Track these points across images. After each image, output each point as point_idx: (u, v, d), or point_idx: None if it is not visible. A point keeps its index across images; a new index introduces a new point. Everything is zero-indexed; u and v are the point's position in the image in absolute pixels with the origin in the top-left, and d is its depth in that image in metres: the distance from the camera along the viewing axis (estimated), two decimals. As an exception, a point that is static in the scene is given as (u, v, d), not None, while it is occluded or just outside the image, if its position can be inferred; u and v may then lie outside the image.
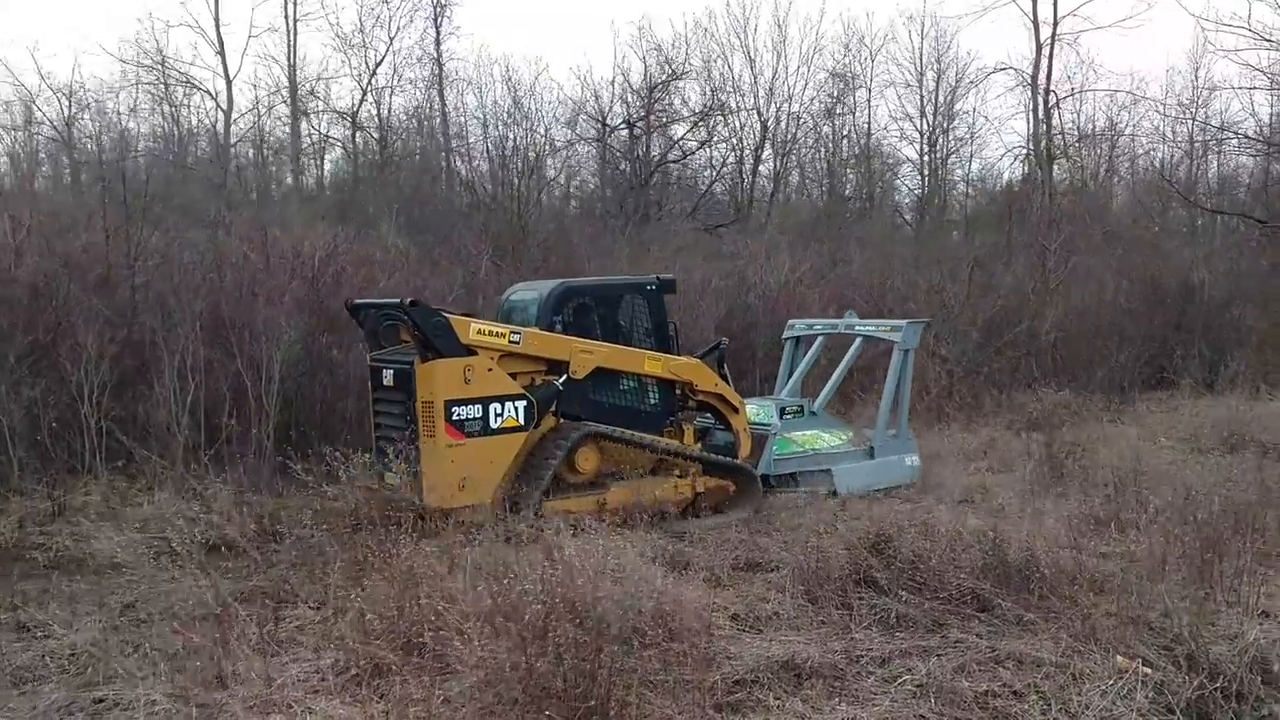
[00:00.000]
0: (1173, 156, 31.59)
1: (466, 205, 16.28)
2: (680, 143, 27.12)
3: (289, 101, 26.86)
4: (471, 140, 24.48)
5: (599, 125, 27.83)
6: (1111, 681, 6.20)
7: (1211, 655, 6.73)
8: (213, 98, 28.27)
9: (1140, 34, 47.36)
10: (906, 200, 35.14)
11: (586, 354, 9.61)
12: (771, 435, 11.08)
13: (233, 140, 26.61)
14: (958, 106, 32.76)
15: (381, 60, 28.58)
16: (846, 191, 34.52)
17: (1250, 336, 19.30)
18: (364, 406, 10.58)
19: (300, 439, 10.99)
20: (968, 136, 32.58)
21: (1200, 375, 18.13)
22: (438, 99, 26.66)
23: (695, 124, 27.03)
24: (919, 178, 33.97)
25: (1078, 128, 30.94)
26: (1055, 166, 25.68)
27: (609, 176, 27.39)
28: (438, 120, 25.82)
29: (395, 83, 28.51)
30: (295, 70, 27.16)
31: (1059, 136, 24.86)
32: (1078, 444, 12.00)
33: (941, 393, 15.48)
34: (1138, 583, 7.53)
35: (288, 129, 27.81)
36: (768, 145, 33.64)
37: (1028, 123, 24.53)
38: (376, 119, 28.63)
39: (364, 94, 28.67)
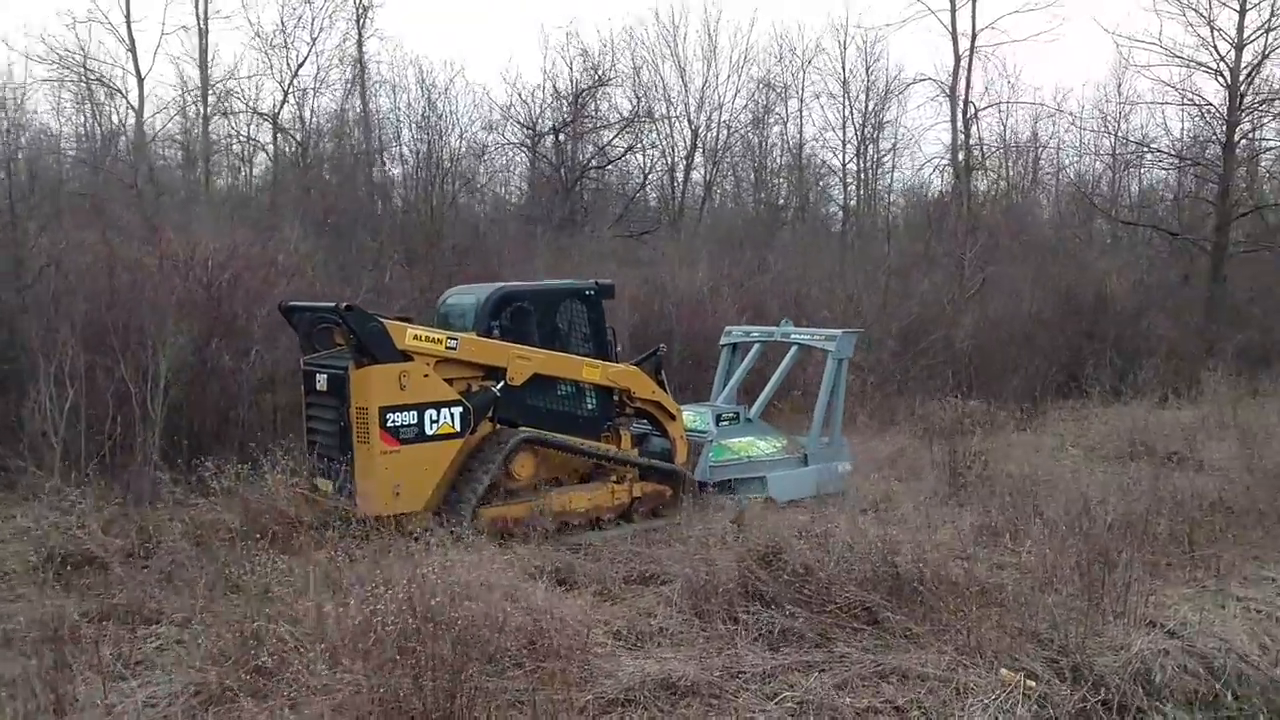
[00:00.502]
0: (1095, 170, 32.32)
1: (380, 210, 15.87)
2: (606, 149, 26.93)
3: (201, 102, 26.16)
4: (388, 144, 24.10)
5: (527, 131, 27.59)
6: (995, 695, 6.12)
7: (1096, 667, 6.70)
8: (123, 96, 27.48)
9: (1068, 49, 48.25)
10: (836, 210, 35.38)
11: (524, 360, 9.52)
12: (708, 442, 11.06)
13: (146, 140, 25.82)
14: (885, 116, 33.12)
15: (303, 61, 28.03)
16: (780, 200, 34.62)
17: (1160, 346, 19.65)
18: (256, 414, 10.22)
19: (192, 448, 10.56)
20: (890, 148, 32.90)
21: (1111, 384, 18.37)
22: (359, 102, 26.18)
23: (622, 129, 26.87)
24: (844, 187, 34.18)
25: (1003, 139, 31.53)
26: (977, 177, 26.05)
27: (535, 182, 27.14)
28: (358, 123, 25.34)
29: (318, 85, 27.96)
30: (207, 70, 26.47)
31: (978, 148, 25.26)
32: (981, 453, 11.97)
33: (855, 401, 15.45)
34: (1027, 594, 7.50)
35: (202, 131, 27.08)
36: (698, 153, 33.81)
37: (952, 133, 24.90)
38: (300, 121, 28.07)
39: (285, 96, 28.11)
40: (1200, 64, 23.82)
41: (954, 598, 7.08)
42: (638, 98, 27.19)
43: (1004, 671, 6.40)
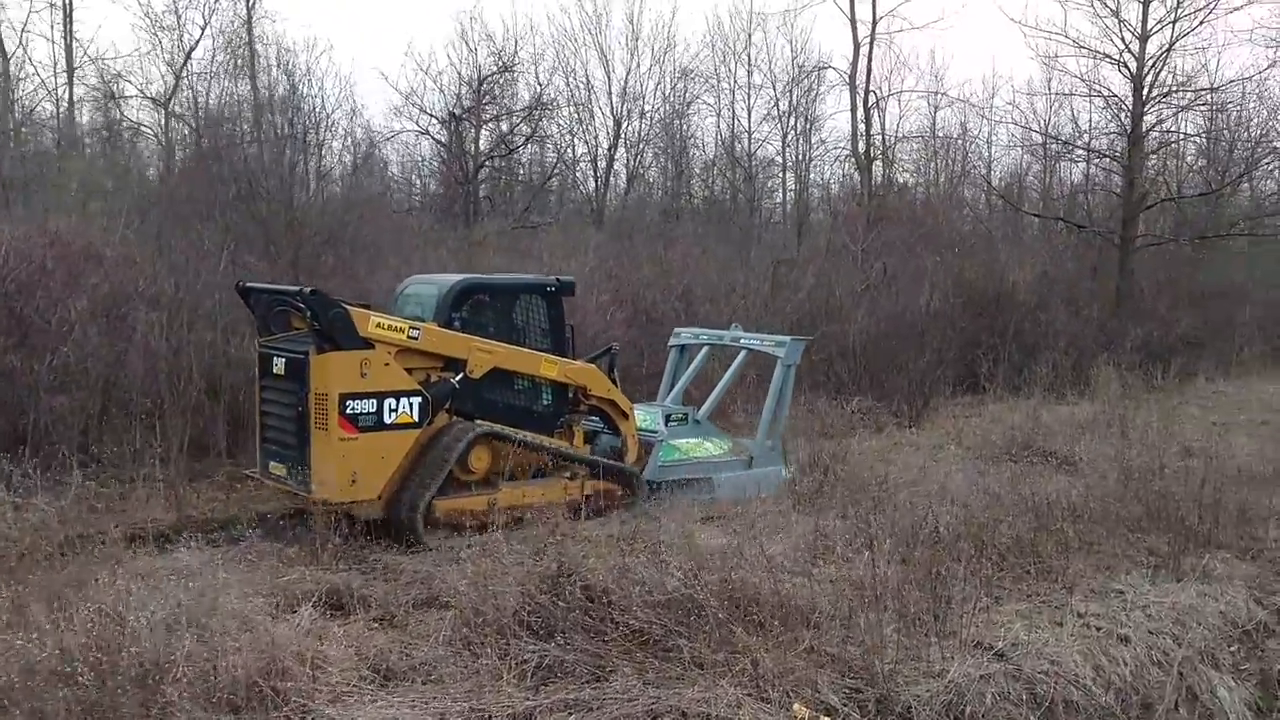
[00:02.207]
0: (1022, 164, 31.99)
1: (233, 196, 14.92)
2: (507, 138, 26.05)
3: (68, 84, 24.84)
4: (248, 128, 22.77)
5: (429, 118, 26.68)
6: (783, 735, 5.47)
7: (905, 698, 6.06)
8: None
9: (999, 43, 48.06)
10: (775, 204, 34.63)
11: (485, 353, 9.55)
12: (658, 442, 11.06)
13: (15, 124, 24.39)
14: (818, 110, 32.45)
15: (196, 44, 26.80)
16: (710, 192, 33.93)
17: (1059, 340, 19.27)
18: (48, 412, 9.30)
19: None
20: (798, 138, 32.22)
21: (1008, 379, 17.96)
22: (248, 86, 25.01)
23: (525, 117, 26.00)
24: (784, 179, 33.48)
25: (921, 131, 31.07)
26: (885, 169, 25.51)
27: (432, 171, 26.28)
28: (244, 107, 24.16)
29: (213, 69, 26.72)
30: (72, 51, 25.10)
31: (879, 138, 24.76)
32: (840, 454, 11.41)
33: (749, 397, 14.83)
34: (846, 613, 6.86)
35: (88, 115, 25.79)
36: (620, 145, 33.08)
37: (852, 123, 24.33)
38: (192, 105, 26.81)
39: (178, 80, 26.86)
40: (1105, 55, 23.57)
41: (755, 620, 6.41)
42: (540, 85, 26.28)
43: (796, 707, 5.72)
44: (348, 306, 8.82)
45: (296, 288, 9.00)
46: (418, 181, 27.88)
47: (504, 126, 27.76)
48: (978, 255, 21.60)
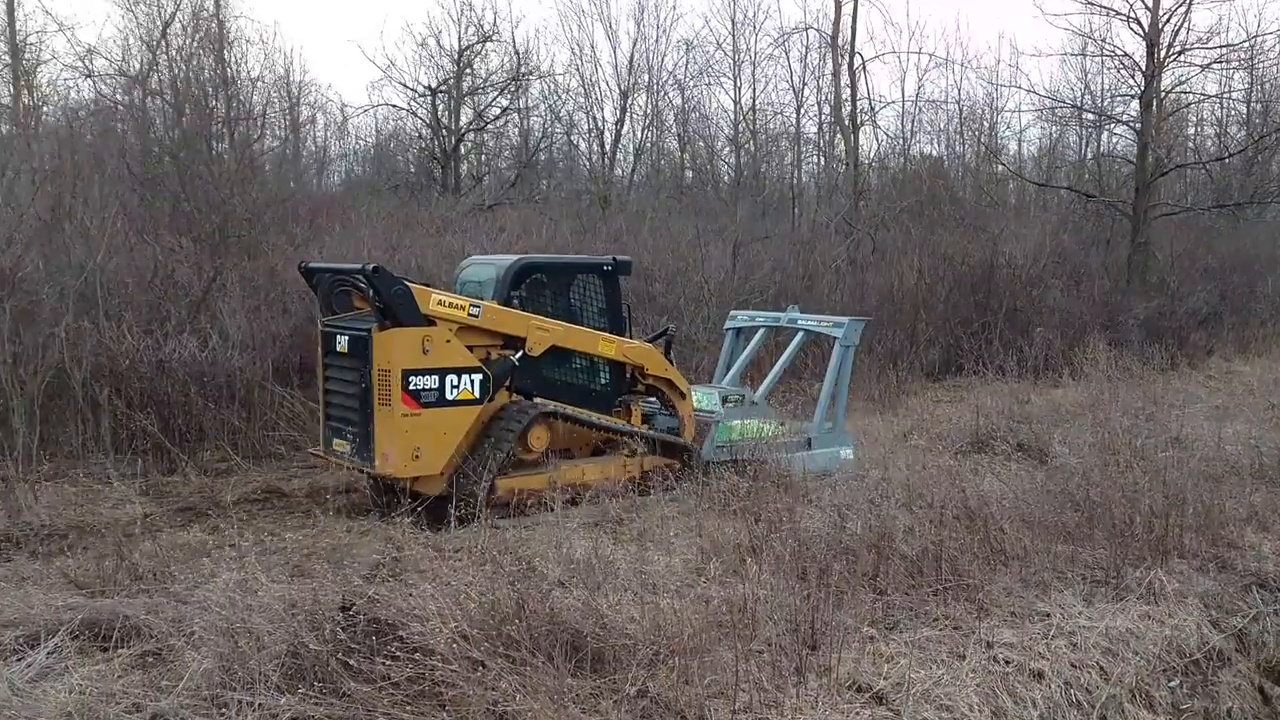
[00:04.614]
0: (1051, 135, 30.30)
1: (160, 173, 14.02)
2: (484, 111, 25.02)
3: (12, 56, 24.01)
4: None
5: (409, 92, 25.72)
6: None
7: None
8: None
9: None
10: (796, 178, 33.23)
11: (543, 331, 9.64)
12: (714, 422, 11.05)
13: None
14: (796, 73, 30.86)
15: (171, 20, 25.96)
16: (724, 167, 32.70)
17: (1053, 317, 17.95)
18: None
19: None
20: (800, 108, 30.78)
21: (997, 360, 16.70)
22: (215, 61, 24.10)
23: (503, 89, 24.94)
24: (797, 154, 32.02)
25: (958, 101, 29.41)
26: (867, 134, 23.95)
27: (404, 148, 25.33)
28: (212, 84, 23.27)
29: (188, 50, 25.86)
30: (14, 25, 24.26)
31: (864, 102, 23.28)
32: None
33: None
34: (709, 645, 5.80)
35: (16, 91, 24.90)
36: (628, 119, 32.02)
37: (835, 87, 22.81)
38: (172, 83, 26.01)
39: (154, 58, 26.07)
40: (1114, 10, 22.02)
41: (587, 654, 5.40)
42: (517, 55, 25.15)
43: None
44: (410, 284, 8.95)
45: (359, 266, 9.10)
46: (401, 156, 26.92)
47: (496, 101, 26.70)
48: (970, 226, 20.22)
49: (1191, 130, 26.64)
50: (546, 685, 5.07)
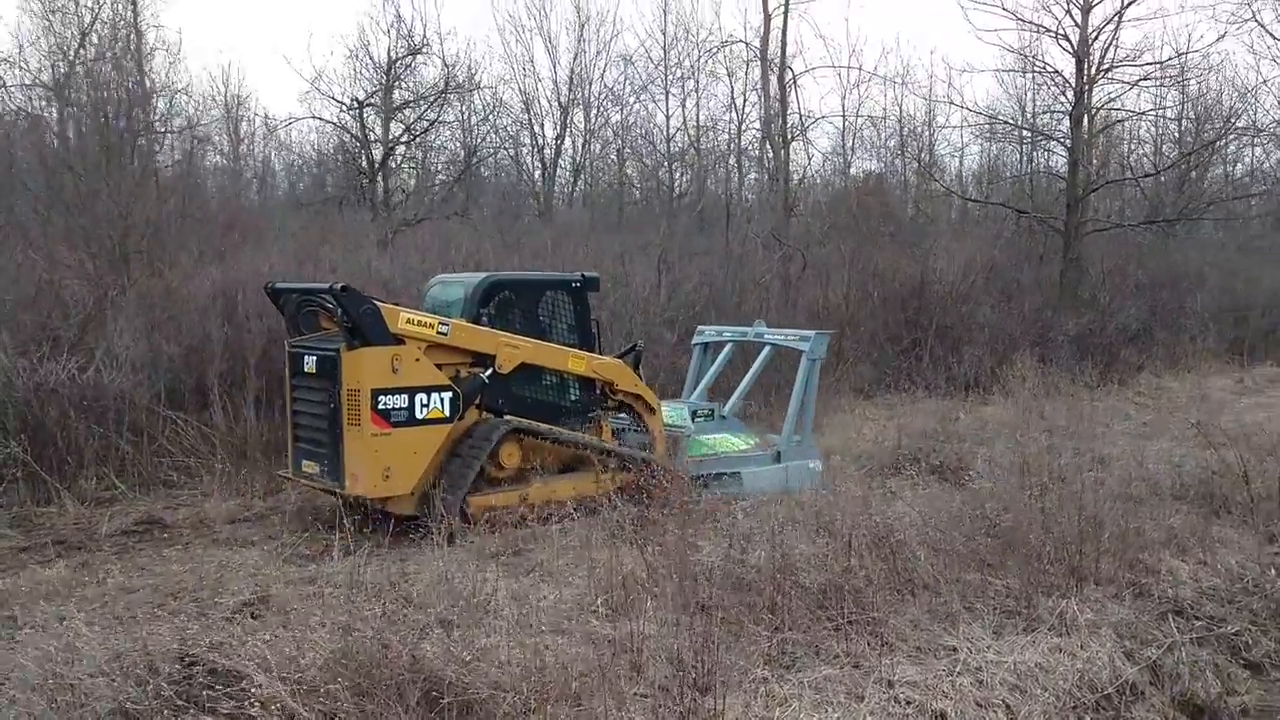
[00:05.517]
0: (990, 153, 30.37)
1: (60, 189, 13.32)
2: (412, 125, 24.51)
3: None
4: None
5: (337, 104, 25.12)
6: None
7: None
8: None
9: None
10: (746, 196, 33.01)
11: (513, 349, 9.64)
12: (685, 437, 11.11)
13: None
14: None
15: (89, 28, 25.13)
16: (665, 183, 32.46)
17: (983, 334, 17.81)
18: None
19: None
20: (741, 123, 30.67)
21: (927, 377, 16.52)
22: (135, 69, 23.36)
23: (432, 102, 24.44)
24: (739, 171, 31.87)
25: (898, 116, 29.28)
26: (798, 151, 23.79)
27: (337, 157, 24.74)
28: (121, 95, 22.51)
29: (103, 56, 25.04)
30: None
31: (795, 117, 23.10)
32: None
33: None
34: (578, 694, 5.37)
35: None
36: (567, 135, 31.72)
37: (763, 101, 22.62)
38: (96, 96, 25.15)
39: (72, 66, 25.21)
40: (1043, 27, 22.09)
41: (448, 705, 4.94)
42: (447, 68, 24.69)
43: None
44: (379, 303, 8.91)
45: (326, 285, 9.05)
46: (326, 175, 26.32)
47: (424, 115, 26.18)
48: (903, 243, 20.08)
49: (1126, 148, 26.81)
50: (396, 742, 4.61)
